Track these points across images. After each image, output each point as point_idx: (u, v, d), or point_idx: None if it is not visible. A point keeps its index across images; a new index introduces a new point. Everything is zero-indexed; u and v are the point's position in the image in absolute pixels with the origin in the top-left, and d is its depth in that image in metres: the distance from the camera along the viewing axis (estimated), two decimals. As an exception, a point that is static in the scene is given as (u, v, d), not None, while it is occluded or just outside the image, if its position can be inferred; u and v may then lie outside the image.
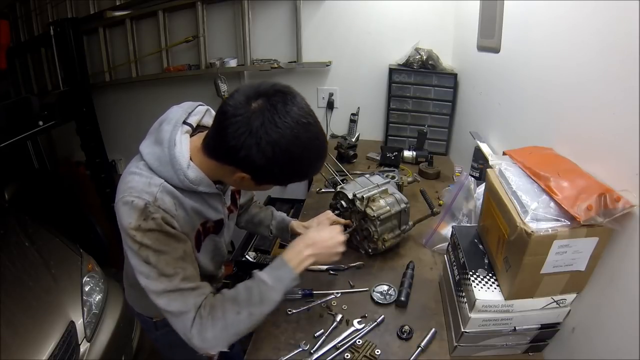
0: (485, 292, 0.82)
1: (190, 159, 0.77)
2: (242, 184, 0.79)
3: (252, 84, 0.72)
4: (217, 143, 0.73)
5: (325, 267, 1.19)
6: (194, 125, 0.83)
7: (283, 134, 0.66)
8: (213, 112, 0.86)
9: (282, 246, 1.87)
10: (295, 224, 1.18)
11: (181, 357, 1.19)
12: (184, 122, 0.81)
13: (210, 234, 0.92)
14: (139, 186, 0.73)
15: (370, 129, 2.27)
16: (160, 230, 0.73)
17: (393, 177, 1.48)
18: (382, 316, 1.00)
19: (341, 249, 0.91)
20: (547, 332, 0.86)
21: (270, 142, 0.66)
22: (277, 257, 0.86)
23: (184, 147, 0.77)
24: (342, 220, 1.18)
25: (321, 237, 0.90)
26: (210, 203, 0.86)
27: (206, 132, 0.78)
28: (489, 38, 1.45)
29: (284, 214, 1.21)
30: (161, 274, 0.74)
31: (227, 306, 0.78)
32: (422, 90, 2.02)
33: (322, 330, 0.96)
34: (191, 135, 0.81)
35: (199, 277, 0.81)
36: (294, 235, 1.18)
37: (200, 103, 0.87)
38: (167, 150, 0.75)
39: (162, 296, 0.75)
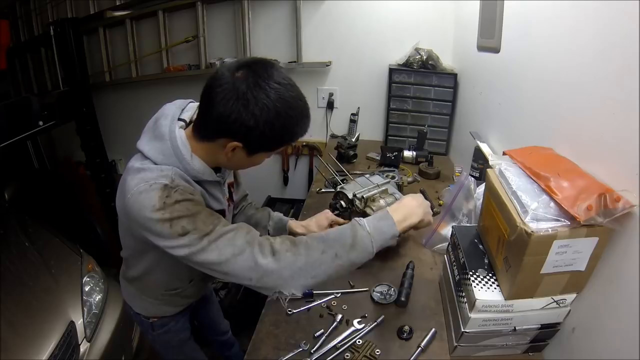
0: (485, 292, 0.82)
1: None
2: (234, 159, 0.80)
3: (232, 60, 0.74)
4: (206, 118, 0.75)
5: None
6: (187, 120, 0.84)
7: (268, 94, 0.70)
8: None
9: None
10: (294, 223, 1.15)
11: (178, 357, 1.21)
12: (178, 118, 0.83)
13: None
14: (152, 176, 0.74)
15: (370, 129, 2.27)
16: (186, 199, 0.74)
17: (393, 177, 1.48)
18: (382, 316, 1.00)
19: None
20: (547, 332, 0.86)
21: (258, 102, 0.70)
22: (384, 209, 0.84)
23: (184, 140, 0.79)
24: (341, 220, 1.17)
25: (422, 200, 0.91)
26: (212, 193, 0.88)
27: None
28: (489, 38, 1.45)
29: (281, 214, 1.19)
30: (202, 235, 0.72)
31: (313, 243, 0.75)
32: (422, 90, 2.02)
33: (322, 330, 0.96)
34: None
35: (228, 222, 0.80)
36: (292, 234, 1.16)
37: (192, 100, 0.89)
38: (170, 143, 0.77)
39: (211, 249, 0.72)
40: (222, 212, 0.92)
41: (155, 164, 0.77)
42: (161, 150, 0.77)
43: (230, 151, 0.77)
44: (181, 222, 0.71)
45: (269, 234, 1.15)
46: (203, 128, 0.78)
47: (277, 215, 1.18)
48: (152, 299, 1.05)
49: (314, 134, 2.40)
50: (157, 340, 1.17)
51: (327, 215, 1.15)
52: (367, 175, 1.34)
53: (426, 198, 1.31)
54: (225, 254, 0.72)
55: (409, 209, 0.85)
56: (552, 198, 0.71)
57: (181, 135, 0.79)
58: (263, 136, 0.73)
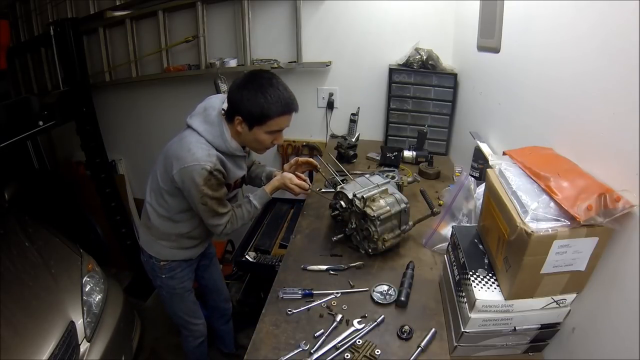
0: (485, 292, 0.82)
1: None
2: (243, 132, 1.19)
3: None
4: (228, 107, 1.21)
5: (325, 267, 1.20)
6: (224, 110, 1.22)
7: (251, 85, 1.15)
8: None
9: (282, 246, 1.87)
10: (274, 173, 1.51)
11: (180, 305, 1.51)
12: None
13: (237, 187, 1.39)
14: (203, 157, 1.14)
15: (370, 129, 2.27)
16: (218, 183, 1.19)
17: (393, 177, 1.48)
18: (382, 316, 1.00)
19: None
20: (547, 332, 0.86)
21: (245, 88, 1.15)
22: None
23: (227, 127, 1.20)
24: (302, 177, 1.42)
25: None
26: (238, 163, 1.30)
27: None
28: (489, 38, 1.45)
29: (271, 169, 1.55)
30: (212, 210, 1.21)
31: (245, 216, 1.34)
32: (422, 90, 2.02)
33: (322, 330, 0.97)
34: None
35: (227, 204, 1.28)
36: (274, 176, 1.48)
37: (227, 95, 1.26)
38: (218, 129, 1.19)
39: (210, 217, 1.24)
40: (243, 176, 1.38)
41: (207, 141, 1.17)
42: (211, 133, 1.19)
43: (238, 125, 1.18)
44: (206, 198, 1.17)
45: (262, 180, 1.53)
46: (227, 114, 1.21)
47: (268, 170, 1.55)
48: (166, 241, 1.35)
49: (314, 134, 2.40)
50: (163, 286, 1.44)
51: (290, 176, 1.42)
52: (367, 175, 1.35)
53: (425, 198, 1.32)
54: (214, 222, 1.26)
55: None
56: (552, 198, 0.71)
57: (225, 124, 1.20)
58: (249, 110, 1.14)
